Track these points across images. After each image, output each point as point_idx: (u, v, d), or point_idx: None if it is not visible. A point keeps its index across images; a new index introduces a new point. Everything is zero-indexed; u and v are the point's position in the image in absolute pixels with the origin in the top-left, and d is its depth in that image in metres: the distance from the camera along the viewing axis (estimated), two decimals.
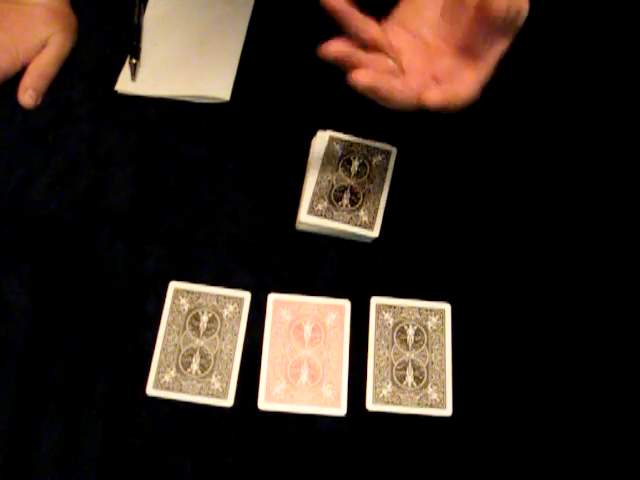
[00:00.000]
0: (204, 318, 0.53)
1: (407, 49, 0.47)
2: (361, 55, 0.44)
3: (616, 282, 0.55)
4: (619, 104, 0.62)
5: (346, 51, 0.43)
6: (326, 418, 0.50)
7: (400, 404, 0.50)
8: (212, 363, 0.51)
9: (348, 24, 0.43)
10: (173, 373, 0.51)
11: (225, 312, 0.53)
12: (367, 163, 0.58)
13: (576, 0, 0.66)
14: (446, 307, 0.54)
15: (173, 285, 0.54)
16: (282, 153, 0.60)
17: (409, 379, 0.51)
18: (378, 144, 0.58)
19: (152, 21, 0.66)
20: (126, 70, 0.63)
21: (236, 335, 0.52)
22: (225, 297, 0.53)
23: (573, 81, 0.63)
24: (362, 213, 0.56)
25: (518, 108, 0.62)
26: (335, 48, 0.42)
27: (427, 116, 0.61)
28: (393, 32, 0.47)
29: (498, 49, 0.45)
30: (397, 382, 0.51)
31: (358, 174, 0.57)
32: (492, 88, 0.61)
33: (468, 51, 0.45)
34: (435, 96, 0.43)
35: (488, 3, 0.41)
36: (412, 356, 0.52)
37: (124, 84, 0.62)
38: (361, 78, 0.42)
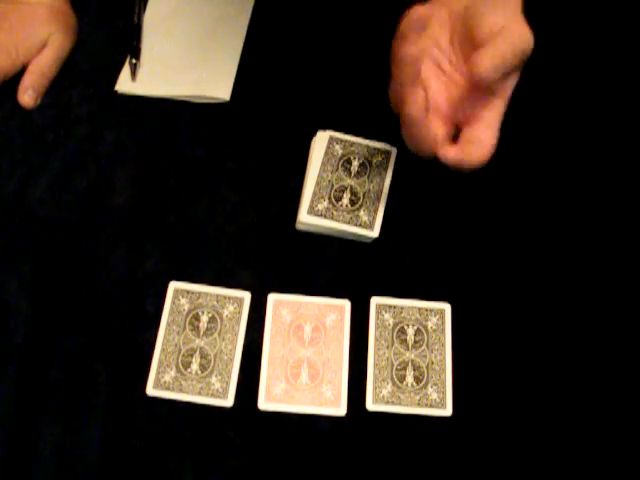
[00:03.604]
0: (204, 318, 0.53)
1: (433, 78, 0.48)
2: None
3: (616, 282, 0.55)
4: (618, 105, 0.62)
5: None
6: (326, 418, 0.50)
7: (400, 404, 0.50)
8: (212, 363, 0.51)
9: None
10: (173, 373, 0.51)
11: (225, 312, 0.53)
12: (367, 163, 0.58)
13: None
14: (446, 307, 0.54)
15: (173, 285, 0.54)
16: (282, 153, 0.60)
17: (409, 379, 0.51)
18: (378, 144, 0.58)
19: (152, 21, 0.66)
20: (126, 70, 0.63)
21: (236, 335, 0.52)
22: (225, 297, 0.53)
23: (573, 87, 0.63)
24: (362, 213, 0.56)
25: (518, 108, 0.62)
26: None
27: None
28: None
29: (510, 84, 0.45)
30: (397, 382, 0.51)
31: (358, 174, 0.57)
32: None
33: (481, 88, 0.45)
34: (451, 153, 0.45)
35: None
36: (412, 356, 0.52)
37: (124, 84, 0.62)
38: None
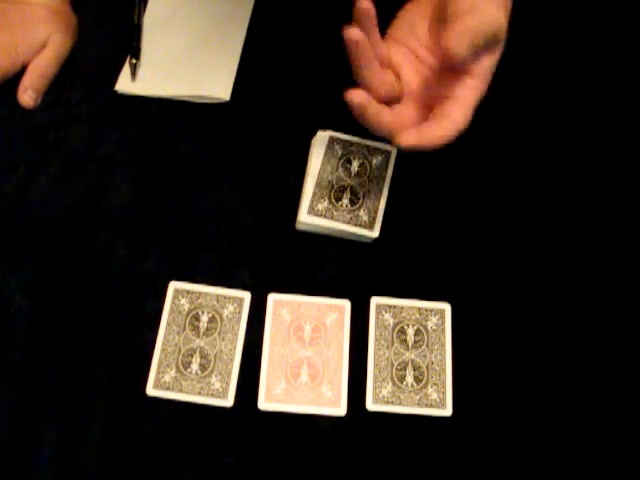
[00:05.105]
0: (204, 318, 0.53)
1: (405, 64, 0.48)
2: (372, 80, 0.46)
3: (616, 282, 0.55)
4: (617, 105, 0.62)
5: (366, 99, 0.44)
6: (326, 418, 0.50)
7: (400, 404, 0.50)
8: (212, 363, 0.51)
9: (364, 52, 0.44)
10: (173, 373, 0.51)
11: (225, 312, 0.53)
12: (367, 163, 0.58)
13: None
14: (446, 307, 0.54)
15: (173, 285, 0.54)
16: (282, 153, 0.60)
17: (409, 379, 0.51)
18: (378, 144, 0.58)
19: (152, 21, 0.66)
20: (126, 70, 0.63)
21: (236, 335, 0.52)
22: (225, 297, 0.53)
23: (571, 82, 0.63)
24: (362, 213, 0.56)
25: (518, 108, 0.62)
26: (358, 98, 0.44)
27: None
28: (391, 48, 0.49)
29: (486, 65, 0.45)
30: (397, 382, 0.51)
31: (358, 174, 0.57)
32: (492, 89, 0.61)
33: (456, 69, 0.45)
34: (408, 140, 0.44)
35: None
36: (412, 356, 0.52)
37: (124, 84, 0.62)
38: (355, 96, 0.44)
